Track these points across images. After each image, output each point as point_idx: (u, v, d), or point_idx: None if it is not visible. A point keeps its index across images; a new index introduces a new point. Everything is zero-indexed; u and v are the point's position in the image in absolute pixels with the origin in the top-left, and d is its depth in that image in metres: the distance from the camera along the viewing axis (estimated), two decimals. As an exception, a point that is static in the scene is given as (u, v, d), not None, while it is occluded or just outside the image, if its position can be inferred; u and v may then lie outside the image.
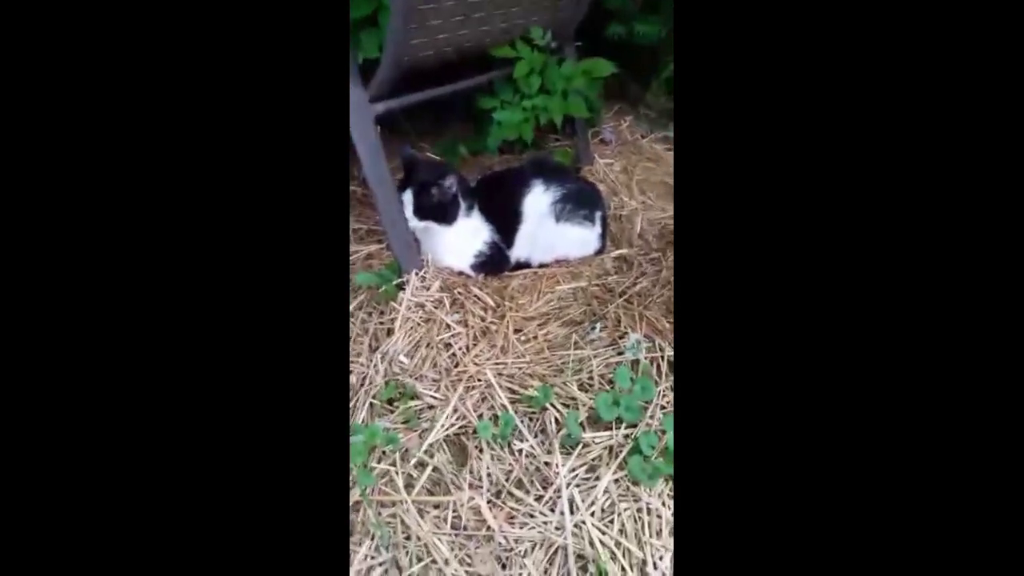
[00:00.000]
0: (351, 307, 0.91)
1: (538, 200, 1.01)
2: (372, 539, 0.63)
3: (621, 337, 0.87)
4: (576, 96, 1.06)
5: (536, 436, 0.74)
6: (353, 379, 0.80)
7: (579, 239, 1.04)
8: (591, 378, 0.81)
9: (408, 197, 0.93)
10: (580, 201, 1.03)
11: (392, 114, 0.90)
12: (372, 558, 0.62)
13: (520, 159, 1.32)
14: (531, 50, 1.03)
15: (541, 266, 1.06)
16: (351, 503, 0.66)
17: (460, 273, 1.01)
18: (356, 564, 0.62)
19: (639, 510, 0.66)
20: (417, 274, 0.93)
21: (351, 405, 0.77)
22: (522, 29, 1.02)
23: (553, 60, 1.08)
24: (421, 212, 0.93)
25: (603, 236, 1.08)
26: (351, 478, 0.64)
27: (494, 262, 1.02)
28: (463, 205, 0.97)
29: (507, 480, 0.69)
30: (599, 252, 1.08)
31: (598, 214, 1.06)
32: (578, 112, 1.06)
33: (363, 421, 0.75)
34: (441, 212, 0.94)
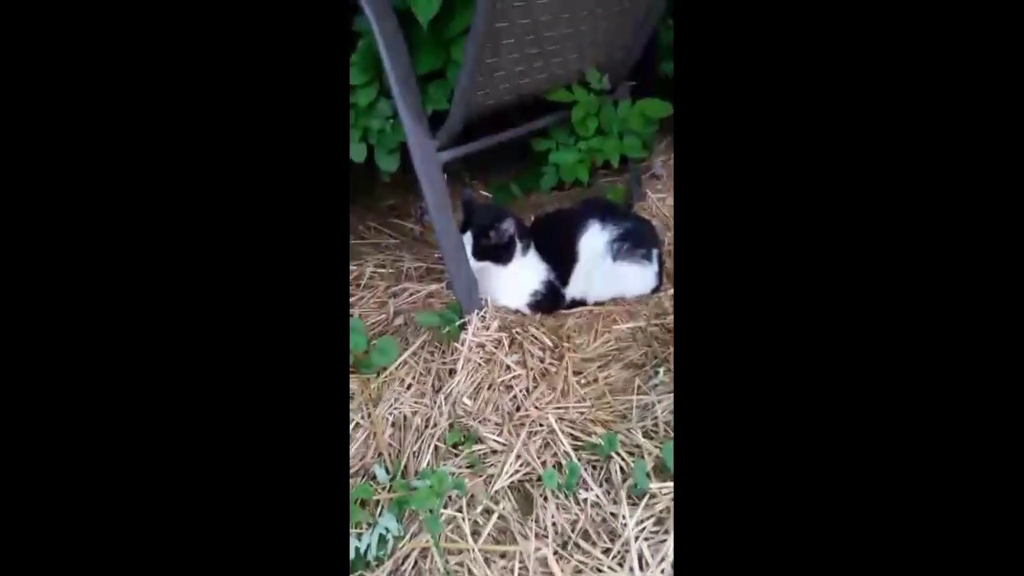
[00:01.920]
0: (414, 347, 0.93)
1: (594, 239, 1.02)
2: (440, 588, 0.63)
3: (685, 381, 0.85)
4: (632, 136, 1.07)
5: (601, 485, 0.73)
6: (418, 420, 0.81)
7: (636, 277, 1.04)
8: (655, 425, 0.79)
9: (467, 239, 0.96)
10: (637, 239, 1.02)
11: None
12: (441, 608, 0.62)
13: (571, 198, 1.33)
14: (587, 93, 1.05)
15: (597, 304, 1.05)
16: (416, 550, 0.66)
17: (516, 312, 1.02)
18: (425, 614, 0.61)
19: (714, 570, 0.63)
20: (478, 314, 0.94)
21: (415, 448, 0.78)
22: (578, 72, 1.04)
23: (608, 102, 1.10)
24: (480, 253, 0.96)
25: (660, 274, 1.07)
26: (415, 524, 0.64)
27: (549, 301, 1.03)
28: (519, 245, 0.98)
29: (573, 531, 0.68)
30: (655, 290, 1.07)
31: (655, 251, 1.05)
32: (633, 152, 1.07)
33: (429, 465, 0.75)
34: (498, 253, 0.96)
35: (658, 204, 1.36)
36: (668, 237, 1.25)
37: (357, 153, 0.97)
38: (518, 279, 1.01)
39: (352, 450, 0.79)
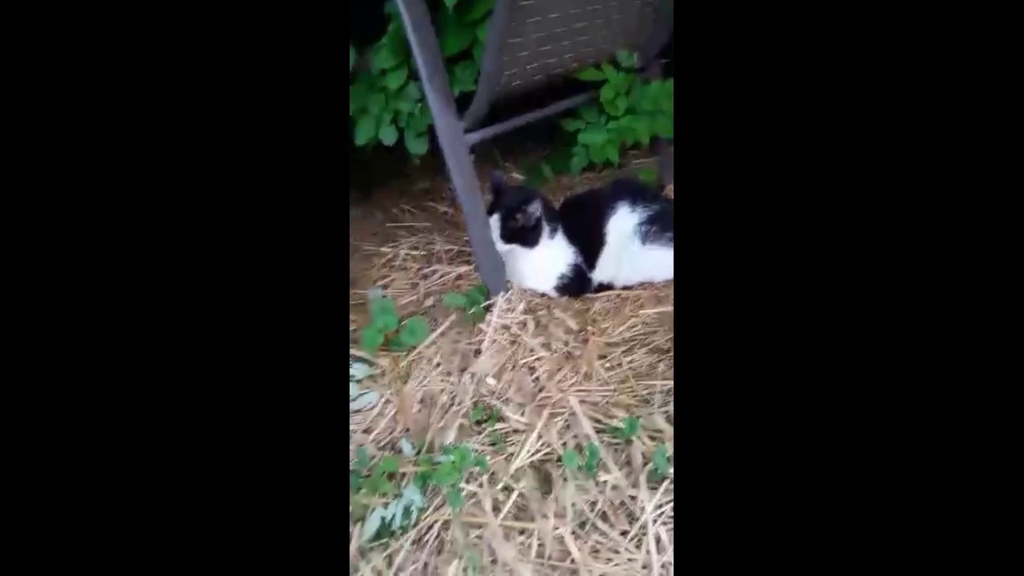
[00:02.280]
0: (443, 327, 0.95)
1: (622, 222, 1.00)
2: (460, 559, 0.66)
3: (712, 368, 0.83)
4: (663, 116, 1.04)
5: (621, 468, 0.73)
6: (444, 398, 0.84)
7: (665, 261, 1.02)
8: (679, 410, 0.79)
9: (495, 221, 0.96)
10: (667, 222, 1.00)
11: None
12: (461, 578, 0.65)
13: (603, 179, 1.31)
14: (616, 72, 1.02)
15: (625, 288, 1.04)
16: (439, 522, 0.69)
17: (543, 295, 1.02)
18: (446, 583, 0.64)
19: (733, 556, 0.63)
20: (503, 296, 0.95)
21: (440, 424, 0.81)
22: (607, 52, 1.01)
23: (639, 81, 1.06)
24: (507, 235, 0.96)
25: (691, 258, 1.04)
26: (439, 497, 0.67)
27: (576, 284, 1.03)
28: (547, 228, 0.98)
29: (592, 512, 0.69)
30: (686, 274, 1.05)
31: (686, 235, 1.02)
32: (665, 132, 1.04)
33: (453, 441, 0.78)
34: (525, 236, 0.96)
35: (693, 186, 1.33)
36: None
37: (388, 135, 0.99)
38: (545, 262, 1.01)
39: (381, 424, 0.83)
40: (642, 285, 1.04)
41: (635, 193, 1.03)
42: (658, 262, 1.01)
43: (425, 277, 1.08)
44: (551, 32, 0.84)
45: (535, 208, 0.95)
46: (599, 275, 1.04)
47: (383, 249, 1.18)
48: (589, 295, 1.03)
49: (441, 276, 1.08)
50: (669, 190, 1.30)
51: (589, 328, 0.94)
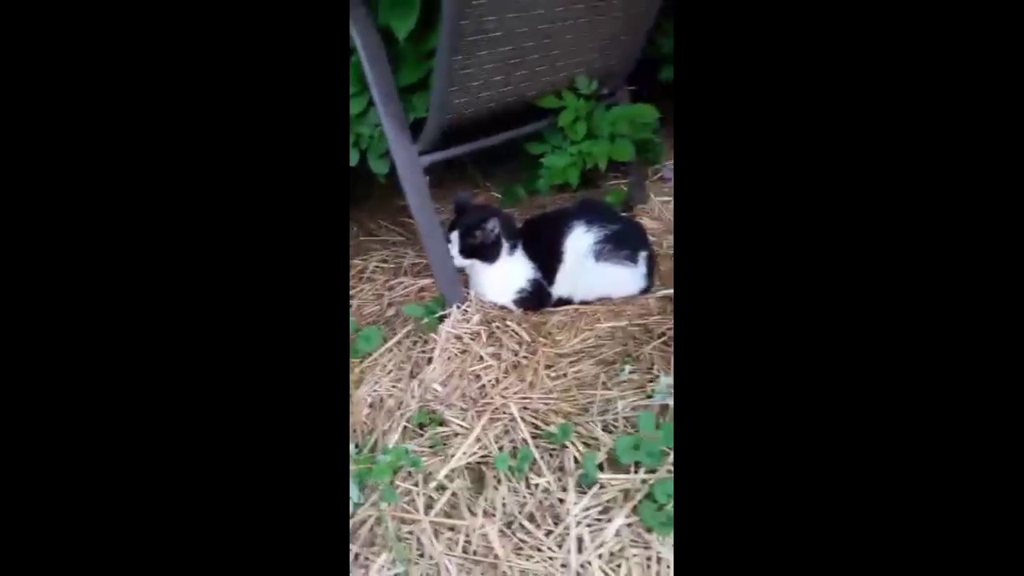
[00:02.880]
0: (399, 336, 1.00)
1: (579, 240, 1.05)
2: (389, 551, 0.69)
3: (652, 380, 0.86)
4: (622, 140, 1.09)
5: (554, 472, 0.76)
6: (391, 402, 0.88)
7: (620, 278, 1.06)
8: (615, 419, 0.81)
9: (455, 238, 1.02)
10: (622, 241, 1.04)
11: (460, 160, 0.99)
12: (388, 570, 0.68)
13: (575, 199, 1.36)
14: (576, 98, 1.09)
15: (584, 303, 1.08)
16: (373, 517, 0.72)
17: (503, 308, 1.07)
18: (372, 575, 0.67)
19: (648, 558, 0.65)
20: (458, 307, 1.00)
21: (386, 427, 0.85)
22: (568, 80, 1.08)
23: (600, 106, 1.12)
24: (465, 251, 1.01)
25: (649, 275, 1.08)
26: (376, 494, 0.70)
27: (536, 298, 1.07)
28: (506, 245, 1.03)
29: (520, 512, 0.72)
30: (645, 291, 1.08)
31: (642, 254, 1.06)
32: (622, 156, 1.09)
33: (395, 443, 0.82)
34: (484, 251, 1.02)
35: (662, 207, 1.37)
36: (668, 240, 1.25)
37: (351, 157, 1.06)
38: (505, 277, 1.06)
39: (334, 427, 0.87)
40: (600, 300, 1.08)
41: (594, 213, 1.08)
42: (612, 279, 1.05)
43: (391, 288, 1.14)
44: (504, 62, 0.90)
45: (492, 225, 1.00)
46: (558, 290, 1.08)
47: (355, 261, 1.24)
48: (549, 309, 1.08)
49: (405, 288, 1.13)
50: (639, 210, 1.35)
51: (540, 339, 0.98)
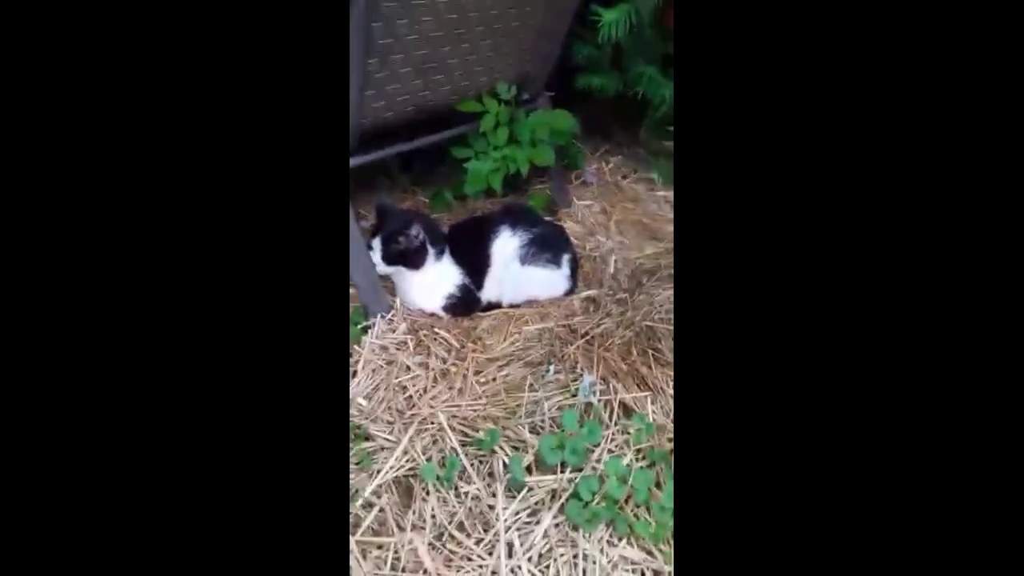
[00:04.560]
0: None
1: (505, 244, 1.06)
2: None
3: (576, 380, 0.89)
4: (542, 145, 1.11)
5: (484, 479, 0.76)
6: (313, 420, 0.84)
7: (544, 281, 1.08)
8: (543, 421, 0.83)
9: (377, 244, 0.99)
10: (544, 244, 1.06)
11: (386, 164, 0.95)
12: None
13: (503, 204, 1.37)
14: (497, 103, 1.09)
15: (512, 307, 1.09)
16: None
17: (432, 314, 1.05)
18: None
19: (575, 556, 0.67)
20: (383, 317, 0.97)
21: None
22: (488, 84, 1.08)
23: (521, 112, 1.14)
24: (389, 258, 0.99)
25: (572, 277, 1.11)
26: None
27: (464, 304, 1.06)
28: (432, 251, 1.02)
29: (450, 522, 0.71)
30: (569, 293, 1.11)
31: (565, 256, 1.09)
32: (543, 161, 1.12)
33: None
34: (409, 258, 1.00)
35: (584, 211, 1.41)
36: (591, 243, 1.29)
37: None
38: (432, 283, 1.04)
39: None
40: (528, 303, 1.09)
41: (517, 217, 1.09)
42: (536, 282, 1.07)
43: (312, 300, 1.09)
44: (420, 67, 0.89)
45: (416, 231, 0.98)
46: (487, 294, 1.08)
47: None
48: (479, 314, 1.08)
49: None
50: (562, 214, 1.38)
51: (470, 345, 0.97)
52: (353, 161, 0.94)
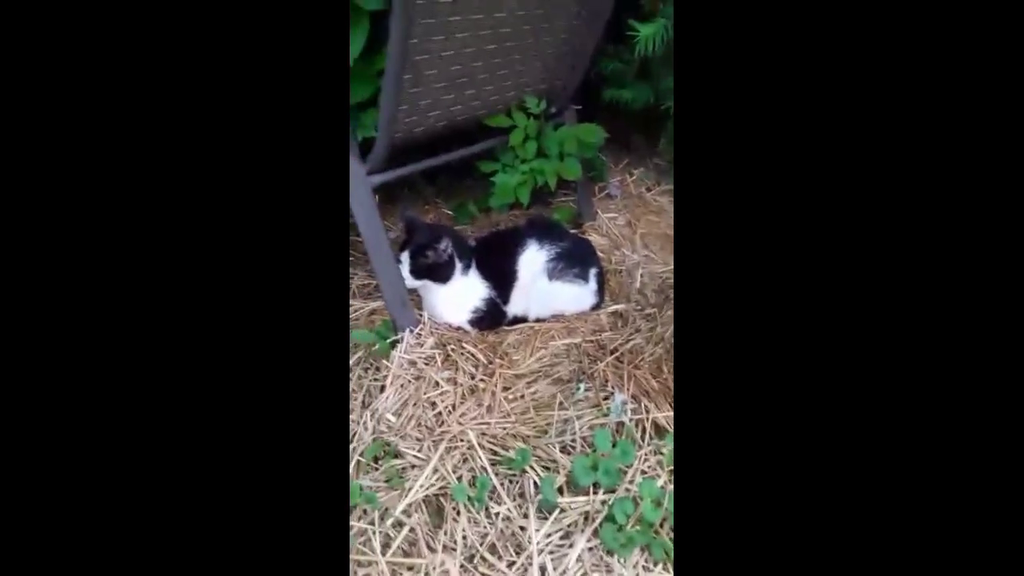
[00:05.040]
0: (350, 363, 0.95)
1: (532, 259, 1.05)
2: (343, 600, 0.65)
3: (607, 398, 0.87)
4: (570, 159, 1.11)
5: (514, 499, 0.75)
6: (342, 436, 0.84)
7: (573, 296, 1.07)
8: (573, 440, 0.81)
9: (405, 258, 0.99)
10: (572, 259, 1.06)
11: (411, 178, 0.95)
12: (342, 620, 0.64)
13: (527, 216, 1.37)
14: (526, 117, 1.09)
15: (538, 321, 1.08)
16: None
17: (458, 328, 1.05)
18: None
19: (611, 582, 0.65)
20: (411, 331, 0.97)
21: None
22: (516, 99, 1.08)
23: (549, 126, 1.14)
24: (417, 272, 0.99)
25: (599, 292, 1.10)
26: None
27: (491, 318, 1.06)
28: (459, 265, 1.02)
29: (481, 544, 0.70)
30: (595, 307, 1.10)
31: (592, 271, 1.08)
32: (571, 174, 1.11)
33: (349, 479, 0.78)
34: (436, 272, 0.99)
35: (608, 224, 1.40)
36: (616, 256, 1.28)
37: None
38: (459, 297, 1.04)
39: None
40: (555, 317, 1.08)
41: (544, 231, 1.09)
42: (564, 297, 1.06)
43: (339, 312, 1.09)
44: (453, 82, 0.89)
45: (444, 245, 0.98)
46: (513, 308, 1.07)
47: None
48: (505, 327, 1.07)
49: (355, 311, 1.09)
50: (587, 227, 1.38)
51: (497, 360, 0.97)
52: (381, 178, 0.94)
